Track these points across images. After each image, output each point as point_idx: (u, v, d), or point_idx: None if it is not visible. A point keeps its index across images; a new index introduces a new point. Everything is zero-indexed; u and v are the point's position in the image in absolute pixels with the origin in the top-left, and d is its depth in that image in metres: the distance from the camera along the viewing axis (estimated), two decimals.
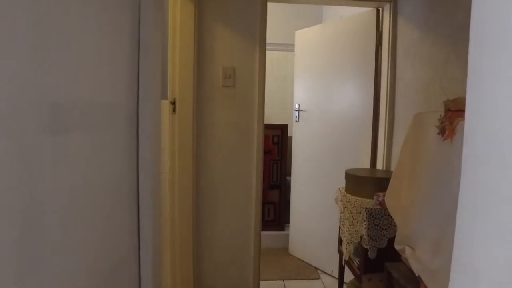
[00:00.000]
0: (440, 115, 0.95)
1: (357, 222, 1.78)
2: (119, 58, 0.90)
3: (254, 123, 2.16)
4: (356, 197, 1.85)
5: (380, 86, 2.29)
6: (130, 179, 0.99)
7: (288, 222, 3.24)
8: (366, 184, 1.85)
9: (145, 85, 1.03)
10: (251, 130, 2.17)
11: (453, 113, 0.87)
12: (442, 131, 0.91)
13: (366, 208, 1.66)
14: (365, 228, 1.66)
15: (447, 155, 0.87)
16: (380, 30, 2.31)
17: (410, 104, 1.93)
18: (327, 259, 2.74)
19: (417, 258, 0.95)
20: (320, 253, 2.83)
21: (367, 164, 2.40)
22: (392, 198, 1.18)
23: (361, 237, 1.71)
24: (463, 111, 0.90)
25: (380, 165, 2.24)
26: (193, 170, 2.13)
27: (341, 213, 2.02)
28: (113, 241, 0.91)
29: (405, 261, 1.05)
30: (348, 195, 1.93)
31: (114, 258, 0.91)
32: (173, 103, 2.09)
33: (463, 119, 0.90)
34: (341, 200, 2.03)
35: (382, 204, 1.66)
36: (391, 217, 1.66)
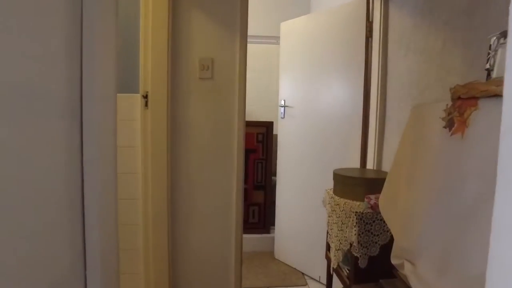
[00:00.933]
0: (446, 105, 0.79)
1: (346, 227, 1.62)
2: (42, 31, 0.71)
3: (235, 119, 1.98)
4: (345, 200, 1.70)
5: (370, 80, 2.14)
6: (69, 182, 0.80)
7: (273, 224, 3.09)
8: (356, 185, 1.69)
9: (90, 70, 0.84)
10: (232, 126, 1.99)
11: (464, 101, 0.71)
12: (449, 124, 0.75)
13: (356, 212, 1.51)
14: (355, 234, 1.50)
15: (457, 152, 0.71)
16: (370, 20, 2.16)
17: (404, 98, 1.79)
18: (315, 264, 2.58)
19: (419, 276, 0.80)
20: (308, 257, 2.68)
21: (356, 163, 2.25)
22: (387, 204, 1.02)
23: (351, 244, 1.55)
24: (477, 98, 0.75)
25: (370, 164, 2.09)
26: (167, 170, 1.94)
27: (329, 216, 1.86)
28: (43, 261, 0.72)
29: (403, 277, 0.90)
30: (336, 197, 1.77)
31: (46, 281, 0.73)
32: (145, 96, 1.90)
33: (478, 109, 0.75)
34: (329, 203, 1.87)
35: (374, 207, 1.51)
36: (384, 221, 1.51)
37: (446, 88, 1.47)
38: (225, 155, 2.02)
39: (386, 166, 1.96)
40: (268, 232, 3.17)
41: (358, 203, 1.64)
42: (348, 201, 1.68)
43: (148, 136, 1.91)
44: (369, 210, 1.52)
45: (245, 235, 2.90)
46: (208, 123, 1.98)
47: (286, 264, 2.87)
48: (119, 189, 1.03)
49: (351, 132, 2.30)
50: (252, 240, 3.11)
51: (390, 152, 1.92)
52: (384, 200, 1.06)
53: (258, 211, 3.17)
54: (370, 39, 2.16)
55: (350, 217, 1.57)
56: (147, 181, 1.94)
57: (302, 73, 2.69)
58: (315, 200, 2.52)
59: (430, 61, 1.55)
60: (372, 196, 1.55)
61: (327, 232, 1.93)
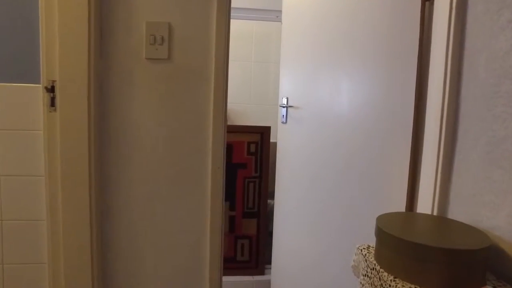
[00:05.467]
0: None
1: None
2: None
3: (209, 122, 1.20)
4: (408, 286, 0.92)
5: (427, 70, 1.36)
6: None
7: (269, 263, 2.38)
8: (427, 259, 0.91)
9: None
10: (203, 138, 1.22)
11: None
12: None
13: None
14: None
15: None
16: None
17: (507, 100, 1.01)
18: None
19: None
20: None
21: (398, 198, 1.48)
22: None
23: None
24: None
25: (425, 206, 1.31)
26: (91, 214, 1.15)
27: None
28: None
29: None
30: (385, 274, 0.99)
31: None
32: (51, 89, 1.10)
33: None
34: (367, 275, 1.10)
35: None
36: None
37: None
38: (193, 179, 1.25)
39: (456, 213, 1.19)
40: (263, 273, 2.50)
41: None
42: None
43: (56, 157, 1.12)
44: None
45: (231, 278, 2.32)
46: (163, 132, 1.19)
47: None
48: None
49: (390, 150, 1.53)
50: (240, 284, 2.39)
51: (467, 190, 1.14)
52: None
53: (249, 245, 2.43)
54: (427, 3, 1.39)
55: None
56: (57, 231, 1.15)
57: (313, 61, 1.94)
58: (328, 235, 1.78)
59: None
60: None
61: None
